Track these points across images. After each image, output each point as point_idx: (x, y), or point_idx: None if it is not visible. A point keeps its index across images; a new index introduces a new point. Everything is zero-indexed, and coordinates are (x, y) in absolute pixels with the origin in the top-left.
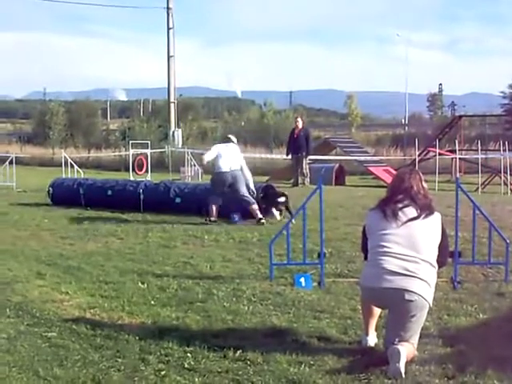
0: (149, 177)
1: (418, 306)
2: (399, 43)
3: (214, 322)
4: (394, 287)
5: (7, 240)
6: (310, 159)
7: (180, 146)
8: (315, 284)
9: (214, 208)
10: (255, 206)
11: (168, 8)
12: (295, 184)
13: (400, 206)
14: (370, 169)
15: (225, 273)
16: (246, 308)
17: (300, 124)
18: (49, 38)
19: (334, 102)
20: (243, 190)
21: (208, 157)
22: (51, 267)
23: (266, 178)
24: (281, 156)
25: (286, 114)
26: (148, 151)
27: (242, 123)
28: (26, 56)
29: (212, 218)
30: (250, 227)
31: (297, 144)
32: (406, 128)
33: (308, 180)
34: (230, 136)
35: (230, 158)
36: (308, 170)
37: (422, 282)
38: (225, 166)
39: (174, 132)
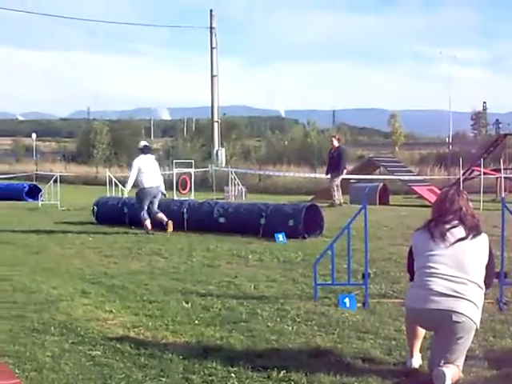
0: (192, 196)
1: (466, 328)
2: (442, 61)
3: (258, 342)
4: (441, 308)
5: (52, 258)
6: (354, 179)
7: (223, 165)
8: (360, 305)
9: (148, 223)
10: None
11: (211, 28)
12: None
13: (448, 226)
14: (414, 188)
15: (269, 293)
16: (291, 328)
17: (335, 143)
18: (93, 57)
19: (377, 121)
20: (155, 207)
21: (131, 181)
22: (95, 286)
23: (311, 197)
24: (324, 175)
25: (329, 133)
26: (192, 170)
27: (286, 142)
28: (70, 75)
29: (150, 231)
30: (295, 247)
31: (331, 163)
32: (450, 147)
33: (336, 200)
34: (146, 144)
35: (152, 172)
36: (336, 190)
37: (469, 303)
38: (148, 182)
39: (217, 151)
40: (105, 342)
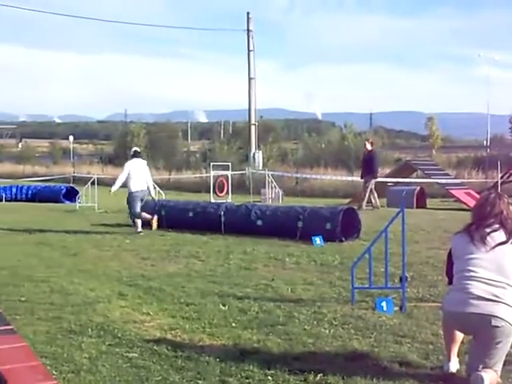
0: (229, 199)
1: (505, 333)
2: (480, 63)
3: (295, 345)
4: (480, 312)
5: (89, 260)
6: (391, 182)
7: (260, 167)
8: (397, 308)
9: (145, 214)
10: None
11: (248, 30)
12: (372, 206)
13: (489, 230)
14: (452, 191)
15: (306, 296)
16: (327, 331)
17: (368, 147)
18: (131, 60)
19: (414, 124)
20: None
21: (119, 182)
22: (133, 288)
23: (347, 200)
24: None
25: (365, 135)
26: (229, 173)
27: (323, 145)
28: (107, 78)
29: (139, 230)
30: (332, 250)
31: (365, 167)
32: (488, 150)
33: (367, 203)
34: (137, 149)
35: (140, 177)
36: (367, 194)
37: (508, 307)
38: (134, 186)
39: (254, 154)
40: (142, 344)
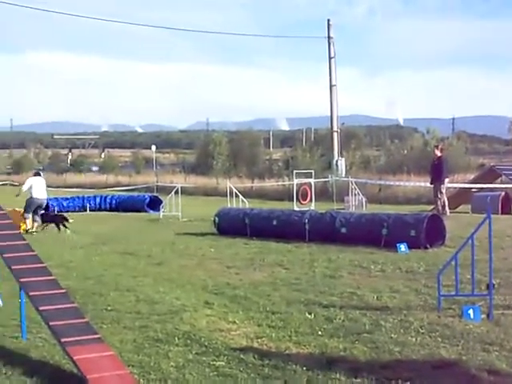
0: (313, 206)
1: None
2: None
3: (382, 353)
4: None
5: (174, 269)
6: (475, 188)
7: (343, 174)
8: (484, 316)
9: (31, 222)
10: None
11: (329, 37)
12: (439, 212)
13: None
14: None
15: (392, 303)
16: (414, 339)
17: (438, 153)
18: (213, 68)
19: (498, 128)
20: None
21: (25, 188)
22: (218, 296)
23: (431, 207)
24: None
25: (448, 141)
26: (312, 180)
27: (405, 151)
28: (189, 87)
29: (33, 230)
30: (417, 257)
31: (434, 173)
32: None
33: (440, 208)
34: (39, 171)
35: (41, 187)
36: (441, 199)
37: None
38: (37, 193)
39: (337, 161)
40: (228, 353)
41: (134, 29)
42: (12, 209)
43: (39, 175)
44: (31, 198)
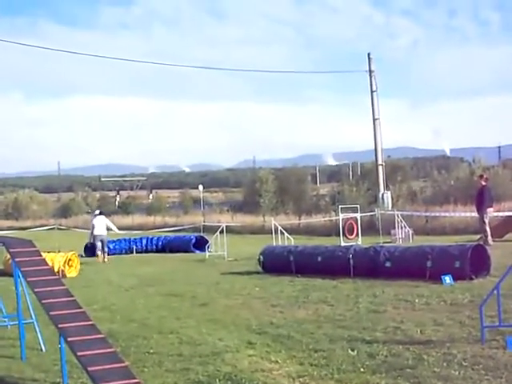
0: (359, 240)
1: None
2: None
3: None
4: None
5: (218, 309)
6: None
7: (390, 208)
8: None
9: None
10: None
11: (370, 71)
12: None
13: None
14: None
15: (436, 337)
16: (457, 373)
17: (482, 182)
18: (257, 106)
19: None
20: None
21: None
22: (261, 336)
23: (478, 236)
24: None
25: (495, 170)
26: (358, 215)
27: (452, 181)
28: (235, 125)
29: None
30: (462, 288)
31: (477, 202)
32: None
33: (487, 238)
34: (101, 211)
35: (101, 225)
36: (486, 228)
37: None
38: (97, 231)
39: (383, 194)
40: None
41: (179, 69)
42: (56, 252)
43: (101, 214)
44: (94, 235)
